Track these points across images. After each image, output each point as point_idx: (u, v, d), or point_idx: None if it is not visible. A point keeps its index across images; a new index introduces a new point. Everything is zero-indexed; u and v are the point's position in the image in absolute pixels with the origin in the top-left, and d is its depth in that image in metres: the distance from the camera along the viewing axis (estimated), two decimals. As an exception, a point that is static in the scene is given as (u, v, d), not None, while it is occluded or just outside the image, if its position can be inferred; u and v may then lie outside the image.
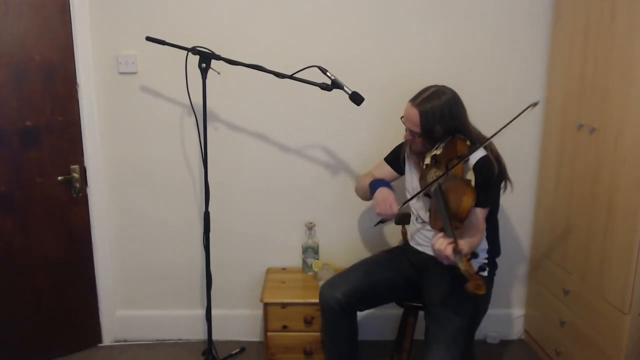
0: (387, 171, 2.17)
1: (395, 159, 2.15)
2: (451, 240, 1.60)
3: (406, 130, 1.95)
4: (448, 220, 1.65)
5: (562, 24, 2.27)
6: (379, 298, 2.07)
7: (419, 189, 1.97)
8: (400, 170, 2.15)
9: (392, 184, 2.10)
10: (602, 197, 1.98)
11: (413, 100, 1.89)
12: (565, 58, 2.24)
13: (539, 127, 2.47)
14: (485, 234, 1.90)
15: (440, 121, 1.83)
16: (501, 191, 1.95)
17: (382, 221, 1.97)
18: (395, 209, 1.90)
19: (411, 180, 2.07)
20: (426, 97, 1.86)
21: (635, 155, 1.79)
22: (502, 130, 1.69)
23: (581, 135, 2.12)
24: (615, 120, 1.90)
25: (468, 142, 1.86)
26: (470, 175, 1.82)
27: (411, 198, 1.94)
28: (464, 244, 1.64)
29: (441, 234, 1.64)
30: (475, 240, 1.78)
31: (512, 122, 1.66)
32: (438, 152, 1.88)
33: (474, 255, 1.65)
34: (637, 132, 1.78)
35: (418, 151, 1.99)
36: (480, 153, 1.86)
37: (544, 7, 2.35)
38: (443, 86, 1.90)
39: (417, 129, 1.87)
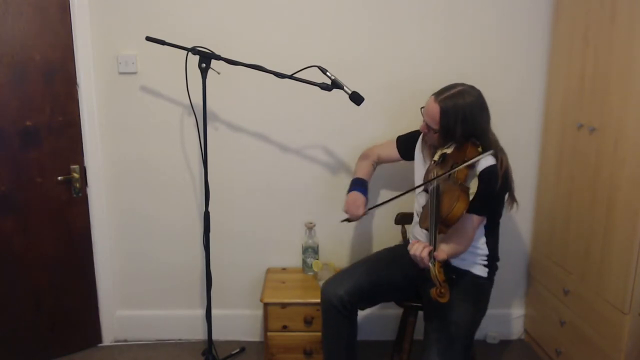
0: (391, 151, 2.16)
1: (407, 143, 2.12)
2: (428, 244, 1.62)
3: (423, 121, 1.91)
4: (435, 222, 1.65)
5: (562, 24, 2.27)
6: (380, 296, 2.07)
7: (421, 182, 1.97)
8: (405, 156, 2.12)
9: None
10: (602, 197, 1.98)
11: (437, 95, 1.82)
12: (565, 58, 2.24)
13: (539, 127, 2.47)
14: (471, 243, 1.85)
15: (461, 123, 1.77)
16: (505, 206, 1.92)
17: (348, 219, 2.07)
18: (360, 211, 2.01)
19: (419, 170, 2.05)
20: (450, 94, 1.79)
21: (635, 155, 1.79)
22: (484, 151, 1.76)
23: (581, 135, 2.12)
24: (615, 120, 1.90)
25: (480, 149, 1.79)
26: (475, 182, 1.79)
27: (381, 204, 1.98)
28: (443, 251, 1.67)
29: (417, 241, 1.65)
30: (459, 248, 1.78)
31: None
32: (449, 151, 1.84)
33: (447, 263, 1.66)
34: (637, 132, 1.78)
35: (432, 144, 1.96)
36: (489, 161, 1.79)
37: (544, 8, 2.35)
38: (471, 87, 1.83)
39: (436, 126, 1.82)
